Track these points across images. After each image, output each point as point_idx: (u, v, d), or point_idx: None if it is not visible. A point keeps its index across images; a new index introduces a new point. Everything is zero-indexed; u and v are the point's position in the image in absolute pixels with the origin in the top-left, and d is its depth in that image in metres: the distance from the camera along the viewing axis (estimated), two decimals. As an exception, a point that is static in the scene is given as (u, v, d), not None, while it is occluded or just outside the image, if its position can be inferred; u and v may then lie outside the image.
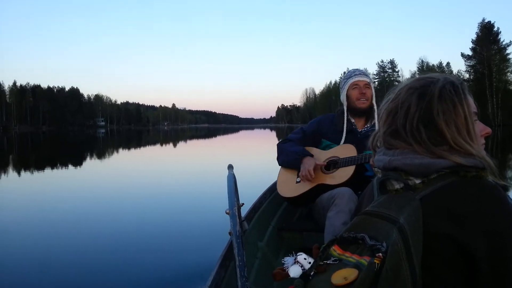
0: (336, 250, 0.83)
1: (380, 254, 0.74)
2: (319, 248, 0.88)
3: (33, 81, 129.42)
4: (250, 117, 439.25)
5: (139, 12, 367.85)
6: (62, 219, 6.26)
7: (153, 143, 36.94)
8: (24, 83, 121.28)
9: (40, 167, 14.96)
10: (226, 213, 1.66)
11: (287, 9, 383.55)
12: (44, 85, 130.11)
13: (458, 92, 0.94)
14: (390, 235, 0.77)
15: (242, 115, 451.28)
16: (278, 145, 2.77)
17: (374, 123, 2.58)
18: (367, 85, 2.59)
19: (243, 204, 1.79)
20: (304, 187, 2.50)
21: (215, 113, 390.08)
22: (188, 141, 39.74)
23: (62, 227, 5.79)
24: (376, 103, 2.63)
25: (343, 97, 2.66)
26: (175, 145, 32.31)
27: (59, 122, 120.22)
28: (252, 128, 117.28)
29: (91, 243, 4.92)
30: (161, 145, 33.32)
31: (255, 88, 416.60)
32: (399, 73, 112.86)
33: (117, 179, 11.42)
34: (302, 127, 2.82)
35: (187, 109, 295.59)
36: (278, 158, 2.76)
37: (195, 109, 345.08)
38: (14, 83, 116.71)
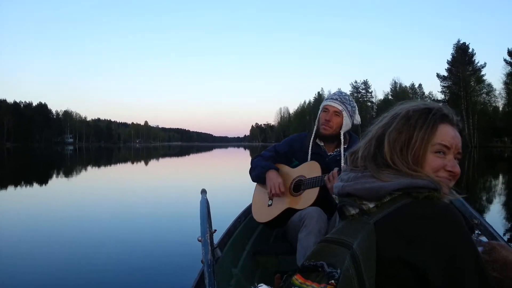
0: (298, 279, 0.84)
1: (333, 281, 0.77)
2: (281, 278, 0.89)
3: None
4: (224, 135, 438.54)
5: (110, 26, 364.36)
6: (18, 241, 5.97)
7: (123, 161, 35.64)
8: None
9: (2, 185, 14.30)
10: (198, 240, 1.65)
11: (260, 25, 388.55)
12: (10, 99, 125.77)
13: (424, 117, 0.94)
14: (345, 261, 0.79)
15: (216, 133, 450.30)
16: (251, 160, 2.82)
17: (341, 149, 2.59)
18: (337, 112, 2.54)
19: (215, 230, 1.78)
20: (275, 211, 2.53)
21: (188, 131, 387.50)
22: (160, 160, 38.40)
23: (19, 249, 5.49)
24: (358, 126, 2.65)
25: (317, 117, 2.67)
26: (146, 164, 31.08)
27: (25, 138, 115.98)
28: (226, 147, 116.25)
29: (45, 268, 4.67)
30: (132, 163, 32.06)
31: (229, 107, 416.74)
32: (373, 94, 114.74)
33: (80, 200, 10.62)
34: (275, 145, 2.84)
35: (160, 126, 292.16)
36: (250, 172, 2.80)
37: (168, 127, 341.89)
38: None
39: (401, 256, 0.79)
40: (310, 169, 2.53)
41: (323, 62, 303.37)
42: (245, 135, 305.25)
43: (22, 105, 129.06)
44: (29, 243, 5.83)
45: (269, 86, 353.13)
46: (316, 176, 2.44)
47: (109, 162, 33.40)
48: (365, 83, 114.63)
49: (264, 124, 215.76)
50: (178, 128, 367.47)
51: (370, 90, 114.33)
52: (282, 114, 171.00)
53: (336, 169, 2.27)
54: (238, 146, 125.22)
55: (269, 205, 2.60)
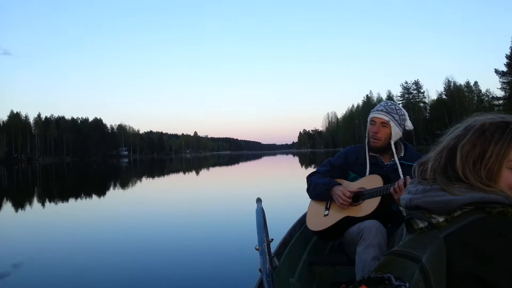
0: None
1: None
2: None
3: (57, 113, 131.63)
4: (272, 143, 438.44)
5: (160, 43, 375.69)
6: (86, 250, 6.76)
7: (176, 171, 36.14)
8: (48, 115, 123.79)
9: (65, 197, 15.75)
10: (256, 249, 1.67)
11: (306, 31, 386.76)
12: (68, 116, 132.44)
13: (501, 131, 0.92)
14: (414, 275, 0.79)
15: (264, 141, 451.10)
16: (307, 178, 2.79)
17: (398, 157, 2.57)
18: (384, 123, 2.55)
19: (272, 239, 1.79)
20: (332, 220, 2.49)
21: (237, 139, 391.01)
22: (211, 169, 38.46)
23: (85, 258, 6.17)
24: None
25: (367, 130, 2.67)
26: (197, 173, 31.19)
27: (83, 153, 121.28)
28: (275, 154, 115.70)
29: (111, 277, 5.15)
30: (184, 173, 32.31)
31: (277, 114, 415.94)
32: (425, 94, 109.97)
33: (141, 210, 11.17)
34: (330, 159, 2.83)
35: (209, 136, 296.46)
36: (307, 191, 2.77)
37: (217, 136, 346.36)
38: (39, 115, 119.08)
39: (473, 272, 0.78)
40: (371, 182, 2.49)
41: (370, 63, 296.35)
42: (293, 142, 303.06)
43: (79, 121, 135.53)
44: (94, 250, 6.62)
45: (316, 91, 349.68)
46: (377, 187, 2.40)
47: (164, 173, 33.99)
48: (416, 83, 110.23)
49: (312, 130, 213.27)
50: (226, 138, 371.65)
51: (422, 90, 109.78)
52: (330, 119, 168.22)
53: (401, 180, 2.26)
54: (287, 153, 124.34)
55: (325, 215, 2.57)
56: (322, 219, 2.57)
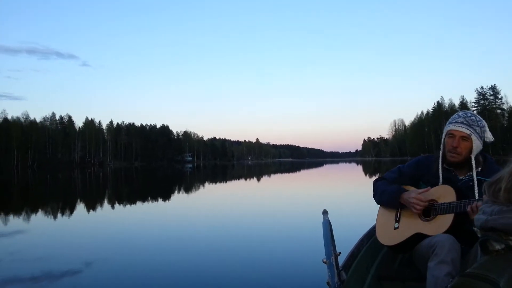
0: None
1: None
2: None
3: (127, 120, 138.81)
4: (335, 150, 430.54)
5: (223, 52, 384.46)
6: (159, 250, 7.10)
7: (238, 177, 36.32)
8: (119, 122, 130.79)
9: (134, 198, 16.52)
10: (323, 262, 1.67)
11: (371, 34, 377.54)
12: (137, 123, 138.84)
13: None
14: None
15: (326, 148, 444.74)
16: (374, 182, 2.73)
17: (475, 172, 2.41)
18: (465, 137, 2.40)
19: (340, 253, 1.78)
20: (403, 235, 2.41)
21: (298, 147, 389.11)
22: (273, 176, 38.24)
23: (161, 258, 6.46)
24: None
25: (442, 142, 2.56)
26: (259, 180, 31.08)
27: (150, 158, 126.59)
28: (337, 162, 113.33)
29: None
30: (246, 180, 32.37)
31: (340, 121, 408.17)
32: (503, 100, 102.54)
33: (204, 215, 11.32)
34: (400, 166, 2.73)
35: (270, 143, 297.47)
36: (374, 197, 2.71)
37: (279, 144, 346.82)
38: (111, 122, 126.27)
39: None
40: (443, 193, 2.37)
41: (441, 67, 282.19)
42: (357, 150, 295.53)
43: (147, 128, 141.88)
44: (162, 250, 6.86)
45: (382, 98, 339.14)
46: (450, 202, 2.28)
47: (226, 179, 34.30)
48: (493, 88, 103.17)
49: (377, 138, 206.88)
50: (288, 145, 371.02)
51: (499, 96, 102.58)
52: (396, 127, 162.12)
53: (480, 202, 2.01)
54: (350, 161, 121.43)
55: (395, 228, 2.48)
56: (393, 232, 2.50)
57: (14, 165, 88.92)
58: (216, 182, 29.63)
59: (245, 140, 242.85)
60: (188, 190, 22.09)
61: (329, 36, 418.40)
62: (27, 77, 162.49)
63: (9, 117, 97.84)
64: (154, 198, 17.36)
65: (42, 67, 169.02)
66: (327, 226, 1.83)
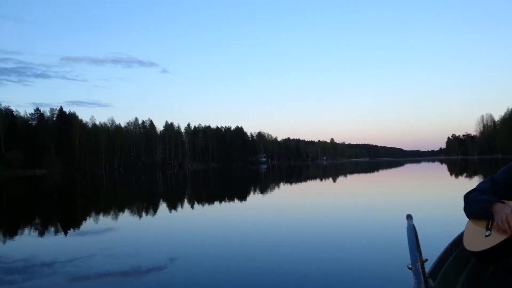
0: None
1: None
2: None
3: (204, 123, 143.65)
4: (416, 149, 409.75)
5: (294, 55, 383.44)
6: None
7: (313, 178, 35.92)
8: (196, 125, 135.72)
9: (214, 198, 16.94)
10: (409, 268, 1.64)
11: (456, 25, 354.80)
12: (213, 125, 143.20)
13: None
14: None
15: (406, 147, 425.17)
16: (464, 196, 2.53)
17: None
18: None
19: (426, 260, 1.76)
20: (494, 240, 2.15)
21: (376, 146, 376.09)
22: (349, 177, 37.27)
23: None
24: None
25: None
26: (335, 181, 30.47)
27: (226, 159, 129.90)
28: (419, 162, 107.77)
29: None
30: (321, 180, 31.91)
31: (420, 118, 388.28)
32: None
33: (281, 216, 11.36)
34: (492, 176, 2.52)
35: (346, 143, 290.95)
36: (464, 210, 2.50)
37: (355, 143, 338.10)
38: (188, 125, 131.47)
39: None
40: None
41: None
42: (440, 148, 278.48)
43: (223, 130, 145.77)
44: (240, 249, 6.92)
45: (466, 91, 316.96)
46: None
47: (302, 179, 34.15)
48: None
49: (462, 135, 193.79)
50: (364, 144, 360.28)
51: None
52: (485, 123, 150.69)
53: None
54: (433, 161, 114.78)
55: (486, 236, 2.23)
56: (483, 239, 2.26)
57: (102, 167, 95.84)
58: (291, 183, 29.55)
59: (319, 140, 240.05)
60: (264, 190, 22.27)
61: (408, 26, 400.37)
62: (113, 85, 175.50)
63: (97, 122, 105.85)
64: (232, 198, 17.71)
65: (126, 75, 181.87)
66: (412, 231, 1.79)
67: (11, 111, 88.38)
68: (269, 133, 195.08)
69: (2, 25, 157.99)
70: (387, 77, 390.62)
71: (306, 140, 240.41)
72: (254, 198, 17.81)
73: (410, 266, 1.64)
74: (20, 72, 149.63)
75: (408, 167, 59.64)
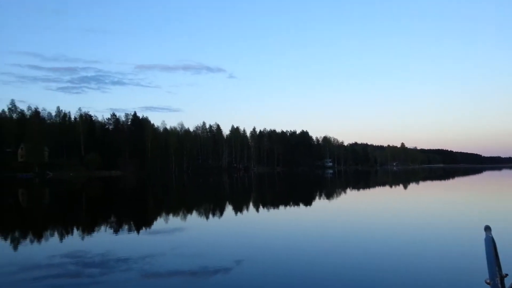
0: None
1: None
2: None
3: (269, 127, 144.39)
4: (496, 155, 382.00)
5: (363, 56, 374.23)
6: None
7: (382, 184, 34.66)
8: (262, 129, 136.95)
9: (282, 202, 16.33)
10: (486, 283, 1.58)
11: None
12: (278, 129, 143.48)
13: None
14: None
15: (484, 153, 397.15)
16: None
17: None
18: None
19: (506, 275, 1.69)
20: None
21: (451, 151, 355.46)
22: (422, 183, 35.52)
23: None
24: None
25: None
26: (406, 188, 29.17)
27: (291, 163, 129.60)
28: (499, 169, 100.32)
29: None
30: (390, 186, 30.71)
31: (502, 120, 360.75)
32: None
33: (349, 222, 10.99)
34: None
35: (418, 147, 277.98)
36: None
37: (427, 148, 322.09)
38: (254, 129, 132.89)
39: None
40: None
41: None
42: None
43: (288, 134, 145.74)
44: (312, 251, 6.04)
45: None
46: None
47: (369, 185, 33.12)
48: None
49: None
50: (438, 149, 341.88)
51: None
52: None
53: None
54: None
55: None
56: None
57: (172, 169, 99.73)
58: (358, 189, 28.75)
59: (388, 145, 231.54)
60: (330, 195, 21.88)
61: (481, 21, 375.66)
62: (183, 91, 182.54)
63: (168, 127, 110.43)
64: (297, 202, 17.57)
65: (195, 81, 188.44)
66: (490, 244, 1.68)
67: (90, 116, 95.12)
68: (335, 137, 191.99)
69: (85, 36, 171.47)
70: (466, 75, 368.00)
71: (374, 144, 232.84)
72: (320, 203, 17.56)
73: (488, 281, 1.56)
74: (99, 80, 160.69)
75: (487, 175, 55.75)
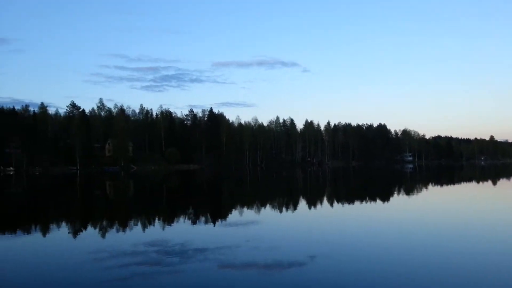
0: None
1: None
2: None
3: (344, 120, 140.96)
4: None
5: (441, 44, 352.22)
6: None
7: (468, 180, 32.48)
8: (336, 123, 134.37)
9: (361, 197, 15.76)
10: None
11: None
12: (354, 123, 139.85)
13: None
14: None
15: None
16: None
17: None
18: None
19: None
20: None
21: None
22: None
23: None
24: None
25: None
26: (494, 184, 26.93)
27: (367, 157, 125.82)
28: None
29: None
30: (478, 182, 28.57)
31: None
32: None
33: (434, 218, 10.33)
34: None
35: (509, 141, 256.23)
36: None
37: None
38: (328, 123, 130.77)
39: None
40: None
41: None
42: None
43: (364, 127, 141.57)
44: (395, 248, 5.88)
45: None
46: None
47: (454, 181, 31.12)
48: None
49: None
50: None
51: None
52: None
53: None
54: None
55: None
56: None
57: (246, 163, 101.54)
58: (442, 184, 27.14)
59: (476, 138, 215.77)
60: (410, 191, 20.90)
61: None
62: (257, 86, 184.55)
63: (242, 122, 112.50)
64: (373, 198, 17.04)
65: (269, 76, 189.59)
66: None
67: (170, 113, 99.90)
68: (416, 130, 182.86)
69: (166, 37, 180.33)
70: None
71: (459, 137, 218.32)
72: (398, 199, 16.85)
73: None
74: (179, 78, 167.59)
75: None
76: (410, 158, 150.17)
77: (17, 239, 8.72)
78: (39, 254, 7.25)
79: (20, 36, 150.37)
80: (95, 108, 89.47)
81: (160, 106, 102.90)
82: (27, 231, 9.73)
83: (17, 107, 77.19)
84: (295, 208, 13.71)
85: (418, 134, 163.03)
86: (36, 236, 9.04)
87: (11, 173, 56.95)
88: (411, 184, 27.71)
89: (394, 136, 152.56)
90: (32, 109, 78.97)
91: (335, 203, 15.36)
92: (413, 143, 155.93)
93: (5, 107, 74.42)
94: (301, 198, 18.10)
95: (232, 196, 20.64)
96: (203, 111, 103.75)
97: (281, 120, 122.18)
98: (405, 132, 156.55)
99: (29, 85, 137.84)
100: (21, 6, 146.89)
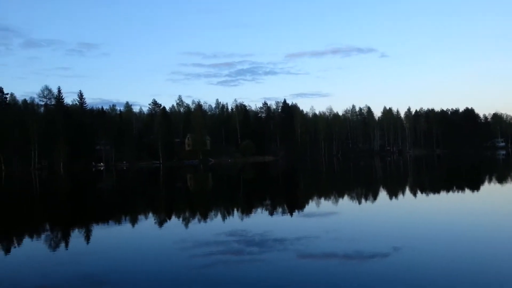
0: None
1: None
2: None
3: (426, 106, 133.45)
4: None
5: None
6: None
7: None
8: (418, 109, 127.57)
9: (447, 187, 14.94)
10: None
11: None
12: (437, 108, 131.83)
13: None
14: None
15: None
16: None
17: None
18: None
19: None
20: None
21: None
22: None
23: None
24: None
25: None
26: None
27: (453, 145, 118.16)
28: None
29: None
30: None
31: None
32: None
33: None
34: None
35: None
36: None
37: None
38: (409, 109, 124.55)
39: None
40: None
41: None
42: None
43: (449, 113, 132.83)
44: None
45: None
46: None
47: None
48: None
49: None
50: None
51: None
52: None
53: None
54: None
55: None
56: None
57: (322, 154, 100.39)
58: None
59: None
60: (503, 180, 19.24)
61: None
62: (332, 75, 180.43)
63: (317, 112, 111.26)
64: (461, 188, 15.99)
65: (344, 64, 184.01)
66: None
67: (244, 106, 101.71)
68: (509, 113, 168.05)
69: (240, 32, 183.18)
70: None
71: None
72: (490, 189, 15.59)
73: None
74: (253, 72, 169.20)
75: None
76: (503, 144, 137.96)
77: (110, 229, 9.42)
78: (130, 242, 7.77)
79: (106, 40, 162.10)
80: (175, 104, 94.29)
81: (235, 100, 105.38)
82: (119, 221, 10.48)
83: (105, 107, 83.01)
84: (374, 199, 13.29)
85: (511, 118, 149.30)
86: (126, 226, 9.69)
87: (102, 168, 61.73)
88: (503, 172, 25.57)
89: (483, 121, 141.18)
90: (118, 108, 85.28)
91: (419, 194, 14.61)
92: (505, 127, 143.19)
93: (94, 107, 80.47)
94: (380, 188, 17.49)
95: (308, 186, 20.52)
96: (277, 103, 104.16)
97: (357, 109, 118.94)
98: (495, 116, 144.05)
99: (116, 86, 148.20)
100: (105, 11, 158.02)
